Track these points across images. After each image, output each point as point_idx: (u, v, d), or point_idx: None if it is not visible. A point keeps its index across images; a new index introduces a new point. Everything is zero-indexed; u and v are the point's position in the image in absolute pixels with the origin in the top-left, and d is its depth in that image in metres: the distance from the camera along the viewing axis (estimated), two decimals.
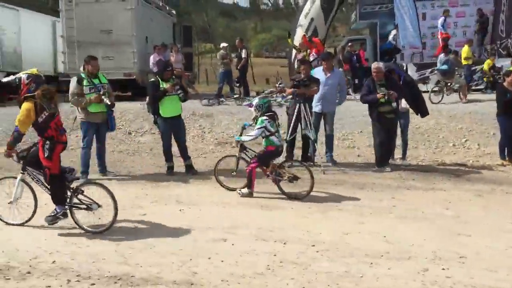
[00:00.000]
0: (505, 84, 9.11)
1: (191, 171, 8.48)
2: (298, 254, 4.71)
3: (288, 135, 8.78)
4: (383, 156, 8.74)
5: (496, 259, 4.58)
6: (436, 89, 13.43)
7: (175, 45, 16.79)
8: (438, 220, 5.81)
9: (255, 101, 7.15)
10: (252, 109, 7.07)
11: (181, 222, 5.78)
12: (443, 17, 16.32)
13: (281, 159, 7.32)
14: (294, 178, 6.81)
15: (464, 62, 15.03)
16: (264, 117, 6.90)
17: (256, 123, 6.97)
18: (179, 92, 8.33)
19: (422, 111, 9.15)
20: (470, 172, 8.56)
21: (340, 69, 16.11)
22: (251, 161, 7.02)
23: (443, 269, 4.34)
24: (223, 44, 16.22)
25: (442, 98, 13.19)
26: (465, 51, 15.09)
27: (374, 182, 7.81)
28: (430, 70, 15.67)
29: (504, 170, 8.76)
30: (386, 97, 8.33)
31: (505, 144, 9.15)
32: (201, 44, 44.59)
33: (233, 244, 5.02)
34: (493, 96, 10.74)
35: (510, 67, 11.35)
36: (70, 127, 9.25)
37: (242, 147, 7.33)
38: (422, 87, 15.33)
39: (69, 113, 10.14)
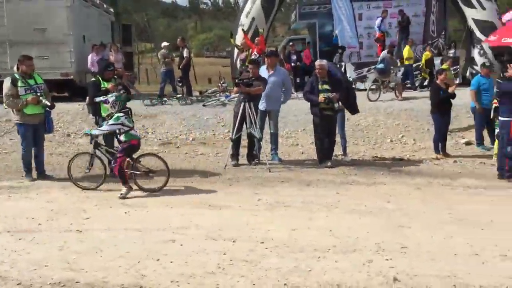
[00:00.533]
0: (438, 82, 9.58)
1: None
2: (248, 252, 4.73)
3: (233, 134, 8.80)
4: (324, 152, 8.95)
5: (435, 249, 4.80)
6: (373, 87, 13.91)
7: (115, 44, 16.37)
8: (380, 214, 6.02)
9: (112, 98, 7.18)
10: (108, 106, 7.17)
11: (128, 224, 5.65)
12: (380, 18, 16.91)
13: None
14: (149, 172, 7.21)
15: (406, 62, 15.62)
16: (121, 114, 7.06)
17: (111, 119, 7.10)
18: (121, 92, 8.13)
19: (353, 108, 9.38)
20: (408, 166, 8.94)
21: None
22: (117, 157, 7.04)
23: (387, 260, 4.51)
24: (164, 44, 16.00)
25: (379, 96, 13.69)
26: (406, 51, 15.71)
27: (318, 178, 7.97)
28: (367, 69, 16.21)
29: (438, 163, 9.22)
30: (327, 101, 8.54)
31: (439, 139, 9.64)
32: (141, 44, 43.70)
33: (182, 245, 4.97)
34: (427, 93, 11.31)
35: (442, 66, 11.93)
36: (3, 130, 8.80)
37: (96, 144, 7.44)
38: (361, 85, 15.98)
39: (2, 116, 9.63)
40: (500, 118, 7.99)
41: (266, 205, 6.42)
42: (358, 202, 6.55)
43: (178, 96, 14.71)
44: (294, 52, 17.16)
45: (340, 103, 8.84)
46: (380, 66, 14.03)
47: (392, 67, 14.20)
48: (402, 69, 15.21)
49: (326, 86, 8.70)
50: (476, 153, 9.91)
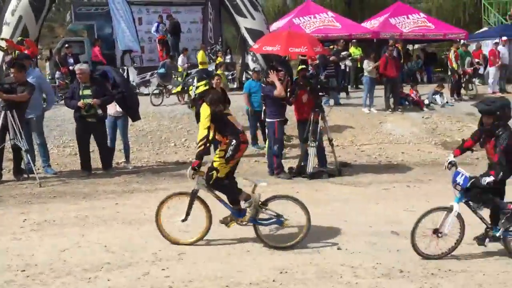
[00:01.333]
0: (214, 86, 9.95)
1: None
2: (4, 284, 4.09)
3: None
4: (84, 160, 8.57)
5: (211, 251, 4.90)
6: (156, 91, 13.83)
7: None
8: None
9: None
10: None
11: None
12: (157, 23, 16.92)
13: None
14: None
15: (200, 66, 15.75)
16: None
17: None
18: None
19: (133, 115, 9.18)
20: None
21: (58, 72, 15.22)
22: None
23: (163, 269, 4.41)
24: None
25: (162, 101, 13.64)
26: (200, 55, 15.86)
27: (97, 189, 7.51)
28: (150, 73, 16.06)
29: None
30: (86, 108, 8.13)
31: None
32: None
33: None
34: None
35: (216, 71, 12.43)
36: None
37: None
38: (144, 90, 15.75)
39: None
40: (266, 119, 8.70)
41: (33, 226, 5.72)
42: (139, 211, 6.34)
43: None
44: (71, 55, 15.99)
45: (101, 111, 8.39)
46: (161, 70, 14.04)
47: (173, 71, 14.31)
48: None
49: (87, 92, 8.25)
50: (252, 152, 10.62)
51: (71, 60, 15.64)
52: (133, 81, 15.77)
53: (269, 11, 25.39)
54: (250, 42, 17.06)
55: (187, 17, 18.74)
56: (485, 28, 22.60)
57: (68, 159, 9.73)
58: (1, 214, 6.22)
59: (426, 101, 14.03)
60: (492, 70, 15.63)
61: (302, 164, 8.70)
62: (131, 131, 11.29)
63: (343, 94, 14.53)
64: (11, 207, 6.55)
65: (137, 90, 15.72)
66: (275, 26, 19.50)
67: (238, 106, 11.75)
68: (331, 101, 13.17)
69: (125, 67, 16.33)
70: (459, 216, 4.80)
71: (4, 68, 13.50)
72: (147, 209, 6.41)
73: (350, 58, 15.56)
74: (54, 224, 5.79)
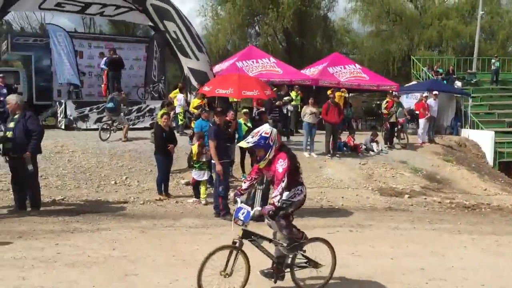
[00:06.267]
0: (161, 124, 9.90)
1: None
2: None
3: None
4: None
5: None
6: (105, 126, 13.50)
7: None
8: (105, 263, 5.68)
9: None
10: None
11: None
12: (106, 57, 16.63)
13: None
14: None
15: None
16: None
17: None
18: None
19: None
20: (133, 209, 8.83)
21: None
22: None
23: None
24: None
25: (110, 135, 13.27)
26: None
27: (34, 228, 7.10)
28: (89, 108, 15.65)
29: (162, 204, 9.42)
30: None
31: (162, 180, 9.90)
32: None
33: None
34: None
35: (162, 110, 12.37)
36: None
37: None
38: (82, 124, 15.29)
39: None
40: (211, 160, 8.72)
41: None
42: (81, 252, 6.06)
43: None
44: (4, 85, 15.29)
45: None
46: (109, 105, 13.73)
47: (123, 105, 14.05)
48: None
49: (11, 124, 8.00)
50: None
51: (4, 90, 14.95)
52: (70, 115, 15.30)
53: (213, 53, 25.81)
54: (193, 82, 17.19)
55: (130, 54, 18.62)
56: (414, 82, 24.21)
57: (0, 195, 9.16)
58: None
59: (364, 147, 14.68)
60: (422, 122, 16.68)
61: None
62: (69, 166, 10.94)
63: (284, 138, 14.87)
64: None
65: (74, 125, 15.30)
66: (218, 67, 19.82)
67: (183, 146, 11.72)
68: None
69: (62, 101, 15.85)
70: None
71: None
72: (90, 250, 6.16)
73: (291, 102, 16.05)
74: None
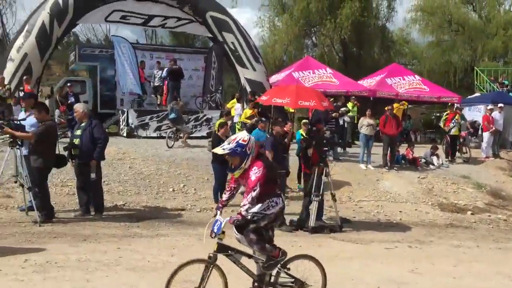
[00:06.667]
0: (219, 134, 10.05)
1: None
2: None
3: None
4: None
5: None
6: (171, 135, 14.08)
7: None
8: (164, 268, 5.79)
9: None
10: None
11: None
12: (166, 68, 17.17)
13: None
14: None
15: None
16: None
17: None
18: None
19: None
20: (190, 217, 8.99)
21: (57, 110, 15.26)
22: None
23: None
24: None
25: (174, 143, 13.82)
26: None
27: (97, 232, 7.38)
28: (149, 117, 16.15)
29: None
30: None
31: (218, 188, 10.01)
32: None
33: None
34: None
35: (220, 119, 12.58)
36: None
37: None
38: (142, 132, 15.80)
39: None
40: None
41: (35, 267, 5.58)
42: (141, 257, 6.23)
43: None
44: (72, 94, 16.12)
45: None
46: (172, 116, 14.25)
47: (184, 114, 14.60)
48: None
49: (78, 132, 8.34)
50: None
51: (72, 99, 15.75)
52: (132, 123, 15.84)
53: (269, 63, 25.97)
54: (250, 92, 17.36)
55: (189, 65, 19.09)
56: (477, 94, 23.26)
57: (66, 199, 9.59)
58: (1, 253, 6.06)
59: (423, 160, 14.26)
60: (486, 135, 15.99)
61: (303, 217, 8.68)
62: (130, 173, 11.32)
63: (340, 149, 14.70)
64: (11, 245, 6.38)
65: (135, 133, 15.82)
66: (274, 78, 19.92)
67: None
68: (330, 156, 13.30)
69: (124, 109, 16.45)
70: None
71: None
72: (150, 255, 6.32)
73: (348, 113, 15.88)
74: (57, 266, 5.64)
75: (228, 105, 16.17)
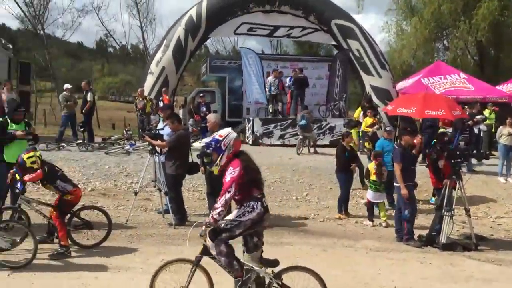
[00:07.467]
0: (344, 144, 9.94)
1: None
2: None
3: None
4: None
5: None
6: (300, 142, 14.51)
7: (9, 82, 15.15)
8: None
9: None
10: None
11: None
12: (290, 77, 17.54)
13: None
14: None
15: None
16: None
17: None
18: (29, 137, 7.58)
19: None
20: (314, 226, 8.99)
21: (191, 119, 16.33)
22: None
23: None
24: (67, 86, 15.17)
25: (302, 150, 14.12)
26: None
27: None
28: (273, 125, 16.54)
29: (341, 223, 9.40)
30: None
31: (343, 199, 9.88)
32: (40, 82, 41.26)
33: None
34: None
35: (354, 128, 12.49)
36: None
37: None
38: (267, 140, 16.25)
39: None
40: (394, 183, 8.39)
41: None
42: None
43: (78, 141, 13.82)
44: (204, 104, 17.15)
45: None
46: (302, 122, 14.54)
47: (312, 123, 14.87)
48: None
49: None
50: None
51: (203, 109, 16.73)
52: (257, 132, 16.33)
53: (396, 69, 25.08)
54: (375, 99, 16.93)
55: (313, 73, 19.22)
56: None
57: (197, 203, 10.19)
58: (140, 251, 6.63)
59: None
60: None
61: (433, 233, 8.20)
62: None
63: (474, 160, 13.63)
64: (149, 245, 6.95)
65: (260, 141, 16.29)
66: (401, 85, 19.20)
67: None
68: (464, 168, 12.40)
69: (250, 118, 17.04)
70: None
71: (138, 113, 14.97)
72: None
73: (484, 121, 14.69)
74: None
75: (355, 115, 15.95)
